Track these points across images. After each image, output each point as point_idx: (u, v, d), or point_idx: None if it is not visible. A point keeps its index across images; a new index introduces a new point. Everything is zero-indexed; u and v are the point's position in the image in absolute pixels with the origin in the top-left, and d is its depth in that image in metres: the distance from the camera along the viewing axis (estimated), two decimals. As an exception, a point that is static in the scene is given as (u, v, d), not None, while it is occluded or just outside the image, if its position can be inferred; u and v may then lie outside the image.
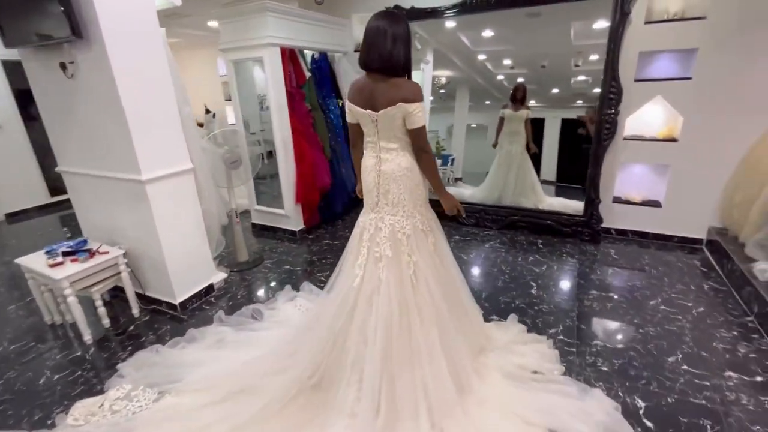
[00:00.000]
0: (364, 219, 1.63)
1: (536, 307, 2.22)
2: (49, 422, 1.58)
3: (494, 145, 3.69)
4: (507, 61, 4.11)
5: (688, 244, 2.91)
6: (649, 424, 1.45)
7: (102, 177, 2.16)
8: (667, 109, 2.76)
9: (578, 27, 3.33)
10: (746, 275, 2.18)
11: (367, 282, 1.54)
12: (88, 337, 2.08)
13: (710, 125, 2.62)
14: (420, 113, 1.42)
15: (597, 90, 3.10)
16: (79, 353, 2.00)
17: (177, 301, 2.29)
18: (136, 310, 2.31)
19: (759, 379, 1.66)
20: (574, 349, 1.86)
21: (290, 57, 3.09)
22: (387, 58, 1.40)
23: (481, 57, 4.01)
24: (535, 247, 3.02)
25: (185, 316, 2.28)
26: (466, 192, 3.96)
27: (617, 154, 2.90)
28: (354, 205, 4.11)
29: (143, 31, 1.96)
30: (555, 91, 3.83)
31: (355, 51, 3.72)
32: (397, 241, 1.54)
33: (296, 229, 3.36)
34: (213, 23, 4.82)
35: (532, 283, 2.49)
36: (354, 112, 1.53)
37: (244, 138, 2.87)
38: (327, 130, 3.53)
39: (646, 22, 2.61)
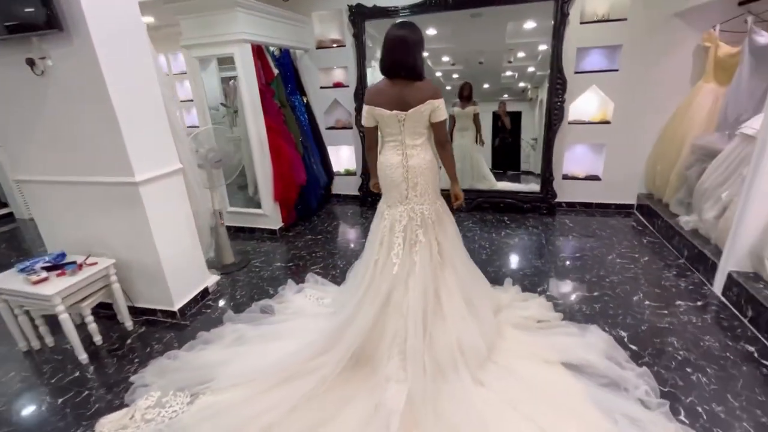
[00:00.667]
0: (392, 212, 1.75)
1: (520, 273, 2.52)
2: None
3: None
4: (446, 58, 4.46)
5: (624, 210, 3.46)
6: (633, 347, 1.79)
7: (81, 183, 1.98)
8: (601, 97, 3.27)
9: (511, 27, 3.75)
10: (674, 227, 2.70)
11: (402, 267, 1.67)
12: (83, 356, 1.91)
13: (635, 109, 3.16)
14: (443, 108, 1.61)
15: (522, 84, 3.57)
16: (77, 374, 1.84)
17: (176, 308, 2.19)
18: (129, 323, 2.16)
19: (699, 303, 2.10)
20: (561, 301, 2.17)
21: (258, 54, 3.06)
22: (412, 65, 1.57)
23: (424, 54, 4.23)
24: (503, 223, 3.37)
25: (186, 322, 2.19)
26: None
27: (564, 136, 3.35)
28: (327, 200, 4.16)
29: (128, 23, 1.86)
30: (486, 86, 4.25)
31: (318, 48, 3.76)
32: (427, 226, 1.71)
33: (275, 227, 3.33)
34: (148, 19, 4.48)
35: (511, 253, 2.80)
36: (375, 115, 1.66)
37: (227, 137, 2.79)
38: (297, 126, 3.54)
39: (581, 23, 3.07)
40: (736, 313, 1.98)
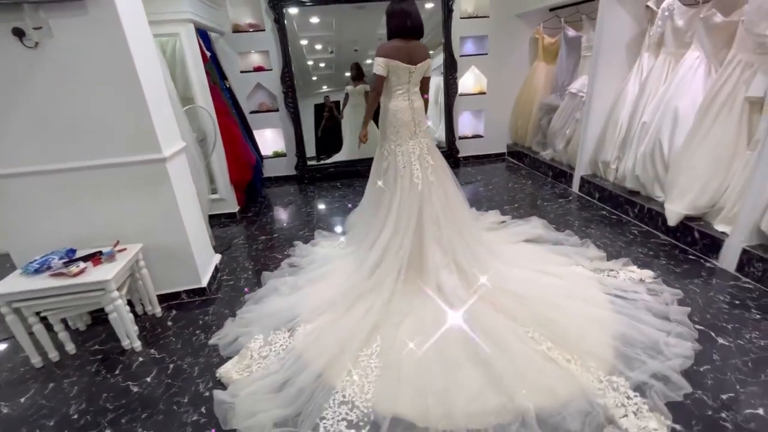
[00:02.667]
0: (404, 147, 2.27)
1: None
2: (206, 395, 1.57)
3: (341, 117, 4.40)
4: (318, 46, 5.01)
5: (500, 157, 4.76)
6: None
7: (89, 168, 1.83)
8: (478, 74, 4.40)
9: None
10: (538, 160, 4.02)
11: (424, 185, 2.24)
12: (137, 344, 1.85)
13: (500, 81, 4.40)
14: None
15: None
16: (142, 359, 1.80)
17: (204, 284, 2.22)
18: (158, 310, 2.10)
19: (569, 198, 3.35)
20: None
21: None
22: (421, 27, 2.11)
23: (303, 42, 4.41)
24: (427, 178, 4.21)
25: (216, 296, 2.25)
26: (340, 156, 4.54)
27: (458, 106, 4.38)
28: (265, 184, 4.24)
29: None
30: (347, 74, 5.00)
31: (234, 32, 3.77)
32: (432, 152, 2.31)
33: (234, 210, 3.35)
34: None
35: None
36: (390, 66, 2.12)
37: (208, 114, 2.72)
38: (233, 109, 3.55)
39: (461, 17, 4.07)
40: (590, 198, 3.28)
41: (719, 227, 2.26)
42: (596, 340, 1.65)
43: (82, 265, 1.71)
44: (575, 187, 3.47)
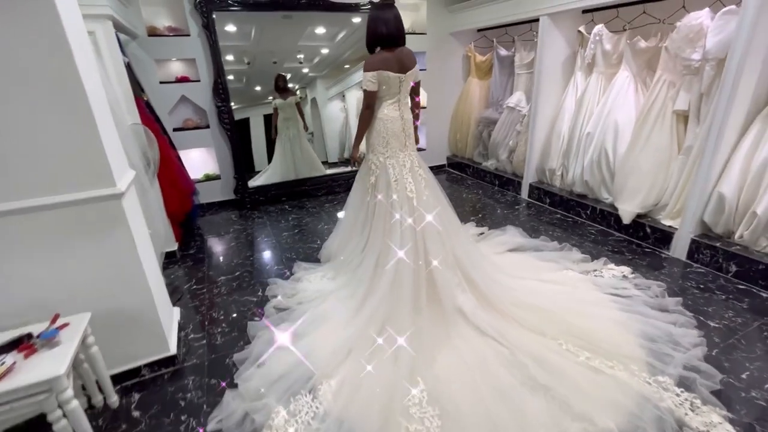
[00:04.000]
0: (394, 160, 2.12)
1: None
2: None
3: (274, 135, 4.02)
4: (230, 57, 4.68)
5: (440, 169, 4.89)
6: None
7: (18, 211, 1.26)
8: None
9: (309, 30, 4.45)
10: (482, 170, 4.24)
11: (418, 199, 2.11)
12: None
13: (439, 96, 4.53)
14: None
15: (290, 85, 4.08)
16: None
17: (173, 350, 1.73)
18: (113, 398, 1.55)
19: (521, 205, 3.57)
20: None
21: (106, 36, 2.40)
22: (403, 33, 2.03)
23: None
24: (380, 193, 4.09)
25: (190, 363, 1.77)
26: (270, 181, 4.03)
27: (402, 119, 4.37)
28: (201, 211, 3.62)
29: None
30: (258, 88, 4.82)
31: (150, 36, 3.15)
32: (422, 165, 2.20)
33: (173, 248, 2.75)
34: None
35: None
36: (382, 77, 1.99)
37: (147, 137, 2.14)
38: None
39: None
40: (541, 204, 3.54)
41: (665, 222, 2.61)
42: (625, 341, 1.72)
43: (7, 360, 1.16)
44: (524, 194, 3.72)
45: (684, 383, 1.50)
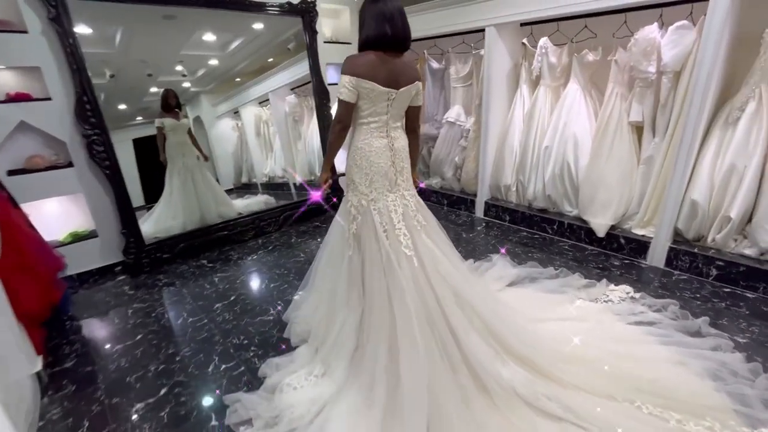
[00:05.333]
0: (381, 204, 1.60)
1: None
2: None
3: (164, 161, 3.15)
4: None
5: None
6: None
7: None
8: None
9: (196, 36, 3.69)
10: (426, 190, 3.94)
11: (419, 257, 1.61)
12: None
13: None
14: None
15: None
16: None
17: None
18: None
19: (482, 226, 3.36)
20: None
21: None
22: (408, 36, 1.55)
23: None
24: (312, 230, 3.45)
25: None
26: (165, 225, 3.06)
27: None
28: (72, 286, 2.44)
29: None
30: (122, 107, 3.92)
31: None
32: (420, 209, 1.72)
33: (37, 368, 1.69)
34: None
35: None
36: (362, 89, 1.49)
37: None
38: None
39: (324, 41, 3.53)
40: (501, 222, 3.37)
41: (637, 231, 2.63)
42: (701, 388, 1.50)
43: None
44: (480, 212, 3.52)
45: (783, 429, 1.32)
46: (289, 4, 3.17)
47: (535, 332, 1.74)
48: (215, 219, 3.29)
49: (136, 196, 3.00)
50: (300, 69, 3.65)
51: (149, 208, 3.18)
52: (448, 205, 3.83)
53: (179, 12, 2.99)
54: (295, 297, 2.10)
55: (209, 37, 3.35)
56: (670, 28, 2.30)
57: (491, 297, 1.83)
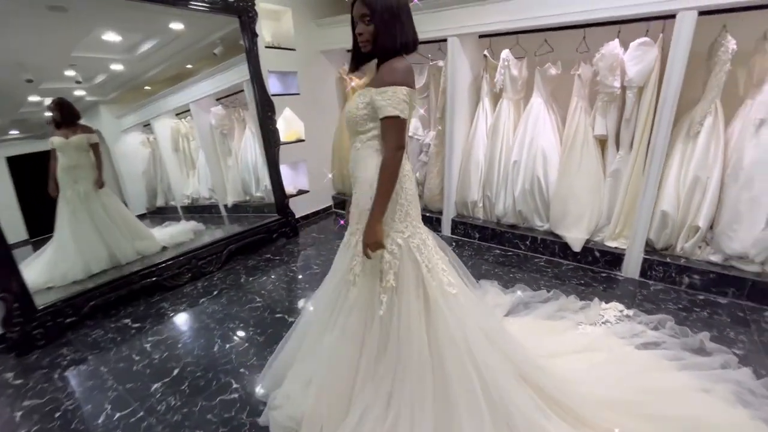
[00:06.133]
0: (418, 239, 1.35)
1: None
2: None
3: (51, 192, 2.45)
4: None
5: (326, 213, 4.05)
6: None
7: None
8: (294, 118, 3.50)
9: (95, 35, 3.08)
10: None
11: (463, 294, 1.37)
12: None
13: (318, 125, 3.69)
14: None
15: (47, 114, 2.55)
16: None
17: None
18: None
19: (488, 257, 3.18)
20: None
21: None
22: None
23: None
24: (264, 265, 2.96)
25: None
26: (60, 270, 2.38)
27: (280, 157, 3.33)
28: None
29: None
30: None
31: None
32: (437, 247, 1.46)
33: None
34: None
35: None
36: (412, 100, 1.28)
37: None
38: None
39: (266, 47, 3.07)
40: (471, 240, 3.22)
41: (609, 243, 2.64)
42: (736, 418, 1.43)
43: None
44: (447, 231, 3.33)
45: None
46: (224, 0, 2.67)
47: (564, 376, 1.55)
48: (131, 257, 2.66)
49: (15, 228, 2.22)
50: (229, 77, 3.15)
51: (38, 244, 2.43)
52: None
53: (70, 3, 2.34)
54: (269, 369, 1.64)
55: (112, 37, 2.70)
56: (632, 44, 2.35)
57: (512, 334, 1.60)
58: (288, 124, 3.52)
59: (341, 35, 3.38)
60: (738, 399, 1.49)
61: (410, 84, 1.24)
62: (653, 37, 2.33)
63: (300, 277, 2.71)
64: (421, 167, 3.45)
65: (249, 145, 3.54)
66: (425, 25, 2.92)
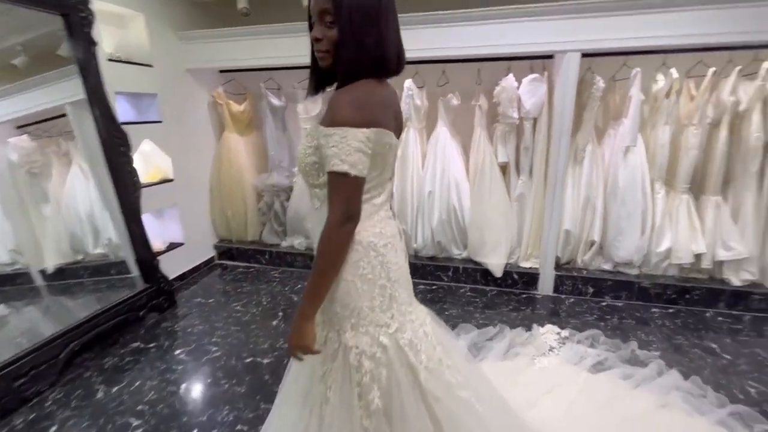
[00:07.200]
0: (409, 330, 1.01)
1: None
2: None
3: None
4: None
5: (209, 266, 3.25)
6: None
7: None
8: (156, 152, 2.68)
9: None
10: (284, 253, 3.14)
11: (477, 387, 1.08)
12: None
13: (188, 159, 2.93)
14: None
15: None
16: None
17: None
18: None
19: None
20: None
21: None
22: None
23: None
24: (132, 361, 2.12)
25: None
26: None
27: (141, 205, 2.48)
28: None
29: None
30: None
31: None
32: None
33: None
34: None
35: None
36: (380, 148, 0.90)
37: None
38: None
39: (110, 59, 2.26)
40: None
41: (524, 264, 2.76)
42: (704, 426, 1.51)
43: None
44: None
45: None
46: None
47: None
48: None
49: None
50: (39, 97, 2.24)
51: None
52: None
53: None
54: None
55: None
56: (525, 80, 2.53)
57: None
58: (148, 161, 2.69)
59: (212, 52, 2.81)
60: (693, 407, 1.59)
61: (374, 122, 0.87)
62: (537, 73, 2.55)
63: (192, 368, 1.98)
64: (325, 203, 3.07)
65: (79, 187, 2.57)
66: (280, 51, 2.64)
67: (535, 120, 2.59)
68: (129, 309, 2.25)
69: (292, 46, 2.62)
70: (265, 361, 2.00)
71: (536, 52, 2.39)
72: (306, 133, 1.01)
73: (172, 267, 2.76)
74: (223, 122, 3.17)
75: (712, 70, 2.30)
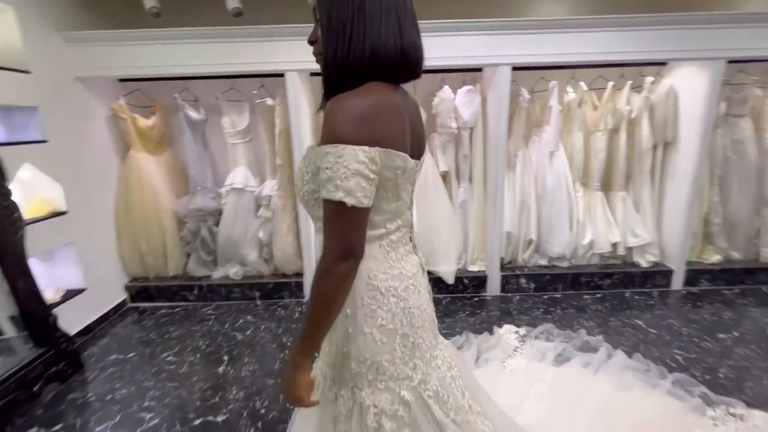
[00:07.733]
0: (434, 379, 0.89)
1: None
2: None
3: None
4: None
5: (120, 312, 2.70)
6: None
7: None
8: (42, 180, 2.12)
9: None
10: (217, 285, 2.78)
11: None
12: None
13: (89, 188, 2.40)
14: None
15: None
16: None
17: None
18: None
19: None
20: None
21: None
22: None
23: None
24: (52, 435, 1.64)
25: None
26: None
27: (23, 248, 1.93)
28: None
29: None
30: None
31: None
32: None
33: None
34: None
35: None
36: (388, 172, 0.76)
37: None
38: None
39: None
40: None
41: (472, 268, 2.84)
42: (670, 403, 1.67)
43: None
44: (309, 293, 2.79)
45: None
46: None
47: None
48: None
49: None
50: None
51: None
52: (263, 296, 2.83)
53: None
54: None
55: None
56: (460, 91, 2.63)
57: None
58: (30, 191, 2.13)
59: (108, 58, 2.37)
60: (649, 384, 1.77)
61: (379, 139, 0.72)
62: (470, 85, 2.68)
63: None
64: (262, 225, 2.79)
65: None
66: (244, 57, 2.40)
67: (471, 129, 2.70)
68: (18, 386, 1.72)
69: (216, 53, 2.34)
70: (219, 418, 1.70)
71: (469, 65, 2.50)
72: (304, 155, 0.85)
73: (72, 320, 2.22)
74: (127, 140, 2.68)
75: (611, 84, 2.67)
